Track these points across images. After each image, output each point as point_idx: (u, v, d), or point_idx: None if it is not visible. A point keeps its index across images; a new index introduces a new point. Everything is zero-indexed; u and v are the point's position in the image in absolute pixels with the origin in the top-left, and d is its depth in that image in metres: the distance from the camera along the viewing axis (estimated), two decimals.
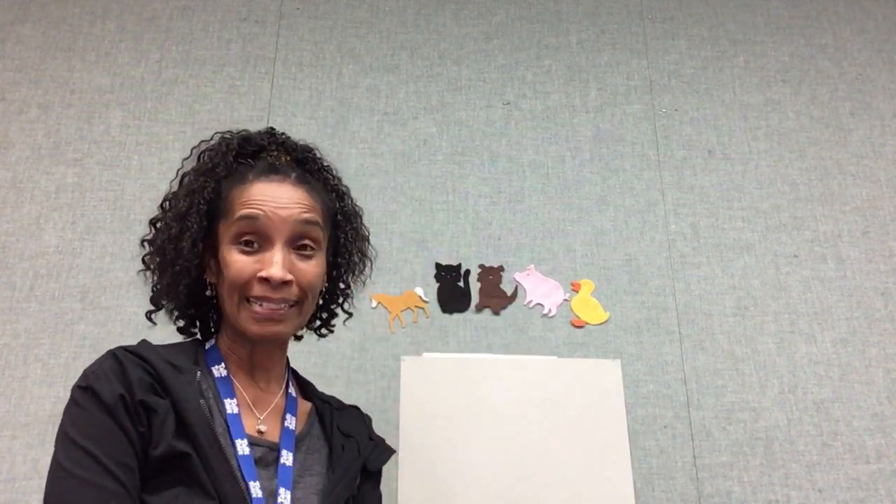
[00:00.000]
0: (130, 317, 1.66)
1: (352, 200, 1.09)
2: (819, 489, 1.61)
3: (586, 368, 1.67)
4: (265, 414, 0.95)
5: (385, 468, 1.55)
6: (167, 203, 1.01)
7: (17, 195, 1.77)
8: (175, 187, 1.02)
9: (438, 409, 1.60)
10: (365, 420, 1.13)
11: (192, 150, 1.03)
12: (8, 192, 1.77)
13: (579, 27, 2.06)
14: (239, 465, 0.85)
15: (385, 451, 1.10)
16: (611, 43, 2.05)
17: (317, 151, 1.06)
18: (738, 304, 1.77)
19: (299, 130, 1.88)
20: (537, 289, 1.76)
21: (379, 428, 1.59)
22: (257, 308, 0.91)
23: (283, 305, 0.93)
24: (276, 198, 0.94)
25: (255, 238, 0.93)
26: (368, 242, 1.12)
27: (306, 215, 0.95)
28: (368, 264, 1.12)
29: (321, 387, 1.62)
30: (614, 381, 1.66)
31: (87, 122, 1.85)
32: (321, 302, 1.10)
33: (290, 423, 0.96)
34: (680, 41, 2.06)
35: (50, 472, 0.80)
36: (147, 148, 1.83)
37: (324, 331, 1.15)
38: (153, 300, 1.01)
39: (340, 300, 1.12)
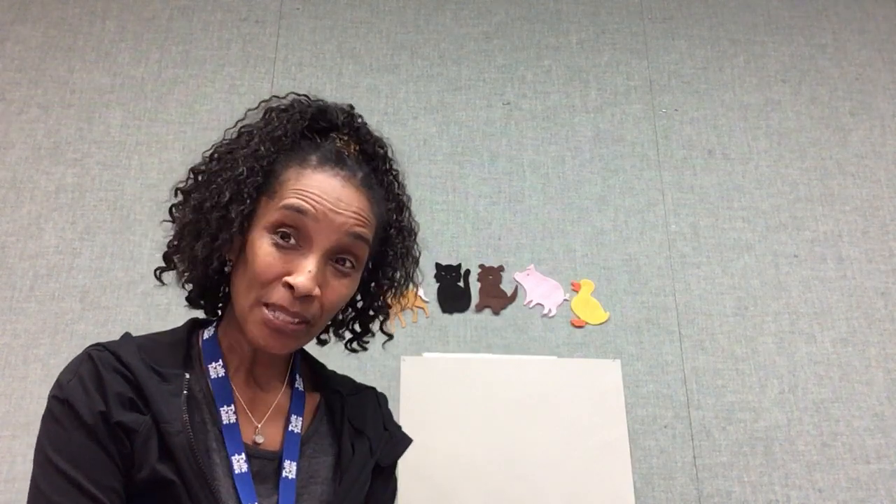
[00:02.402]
0: (130, 317, 1.66)
1: (410, 214, 0.96)
2: (819, 489, 1.61)
3: (586, 368, 1.67)
4: (264, 419, 0.86)
5: None
6: (217, 155, 0.86)
7: (17, 195, 1.77)
8: (230, 136, 0.89)
9: (438, 409, 1.60)
10: (381, 404, 1.01)
11: (260, 102, 0.90)
12: (8, 192, 1.77)
13: (579, 27, 2.06)
14: (234, 486, 0.78)
15: (400, 443, 0.98)
16: (611, 43, 2.05)
17: (389, 150, 0.93)
18: (738, 304, 1.77)
19: None
20: (537, 289, 1.76)
21: None
22: (270, 316, 0.79)
23: (296, 320, 0.80)
24: (334, 198, 0.80)
25: (295, 234, 0.79)
26: (417, 264, 0.99)
27: (359, 229, 0.82)
28: (410, 285, 0.98)
29: None
30: (614, 381, 1.66)
31: (87, 122, 1.85)
32: (353, 314, 0.99)
33: (296, 425, 0.86)
34: (680, 41, 2.06)
35: (30, 495, 0.74)
36: (147, 148, 1.83)
37: (355, 345, 1.02)
38: (167, 257, 0.88)
39: (379, 318, 1.00)
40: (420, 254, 0.99)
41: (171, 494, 0.74)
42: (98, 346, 0.79)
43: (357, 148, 0.89)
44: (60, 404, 0.75)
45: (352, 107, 0.91)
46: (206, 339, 0.87)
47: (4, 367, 1.61)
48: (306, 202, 0.79)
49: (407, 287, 0.97)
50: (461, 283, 1.75)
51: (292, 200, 0.79)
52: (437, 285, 1.74)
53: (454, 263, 1.77)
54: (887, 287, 1.81)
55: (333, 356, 1.69)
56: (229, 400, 0.82)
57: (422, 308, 1.72)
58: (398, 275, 0.95)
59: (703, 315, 1.76)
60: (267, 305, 0.79)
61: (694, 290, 1.78)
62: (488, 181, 1.87)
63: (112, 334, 1.67)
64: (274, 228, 0.80)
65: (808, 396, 1.69)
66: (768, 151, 1.94)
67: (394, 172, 0.93)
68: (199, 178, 0.86)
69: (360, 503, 0.86)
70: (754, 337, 1.74)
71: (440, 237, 1.80)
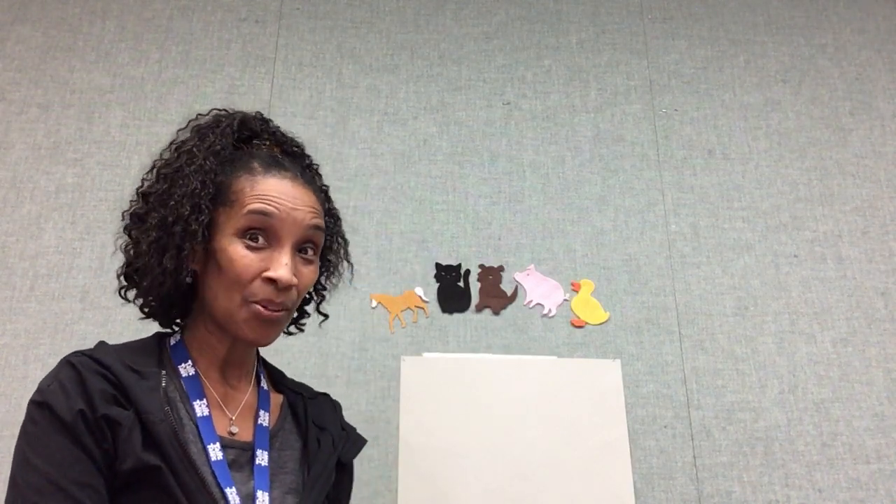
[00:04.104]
0: (131, 317, 1.66)
1: (332, 201, 1.07)
2: (819, 489, 1.61)
3: (586, 368, 1.67)
4: (237, 413, 0.92)
5: (385, 468, 1.55)
6: (164, 175, 0.92)
7: (17, 195, 1.77)
8: (164, 157, 0.95)
9: (438, 409, 1.60)
10: (336, 408, 1.09)
11: (188, 121, 0.97)
12: (8, 192, 1.77)
13: (579, 27, 2.06)
14: (213, 473, 0.82)
15: (357, 442, 1.06)
16: (611, 43, 2.05)
17: (304, 146, 1.04)
18: (738, 304, 1.77)
19: (299, 130, 1.87)
20: (537, 289, 1.76)
21: (379, 428, 1.60)
22: (261, 309, 0.87)
23: (280, 309, 0.89)
24: (291, 198, 0.90)
25: (263, 234, 0.88)
26: (347, 245, 1.09)
27: (316, 220, 0.93)
28: (347, 267, 1.08)
29: (322, 388, 1.62)
30: (614, 381, 1.66)
31: (87, 122, 1.85)
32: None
33: (264, 419, 0.93)
34: (680, 41, 2.06)
35: (7, 496, 0.76)
36: (147, 148, 1.83)
37: (293, 328, 1.08)
38: (131, 276, 0.94)
39: (316, 301, 1.09)
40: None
41: (157, 480, 0.78)
42: (76, 353, 0.83)
43: (278, 150, 0.99)
44: (39, 407, 0.78)
45: (260, 113, 1.01)
46: (174, 345, 0.93)
47: (4, 367, 1.61)
48: (270, 205, 0.89)
49: (341, 268, 1.07)
50: (461, 283, 1.75)
51: (257, 205, 0.88)
52: (437, 285, 1.74)
53: (454, 263, 1.77)
54: (887, 287, 1.81)
55: (333, 356, 1.70)
56: (202, 395, 0.88)
57: (422, 308, 1.72)
58: (333, 258, 1.05)
59: (703, 315, 1.76)
60: (252, 302, 0.87)
61: (694, 290, 1.78)
62: (488, 181, 1.87)
63: (112, 334, 1.67)
64: (243, 233, 0.88)
65: (808, 396, 1.69)
66: (768, 151, 1.94)
67: (315, 165, 1.04)
68: (152, 199, 0.92)
69: (326, 492, 0.94)
70: (754, 337, 1.74)
71: (440, 237, 1.80)
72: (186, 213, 0.87)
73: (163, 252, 0.88)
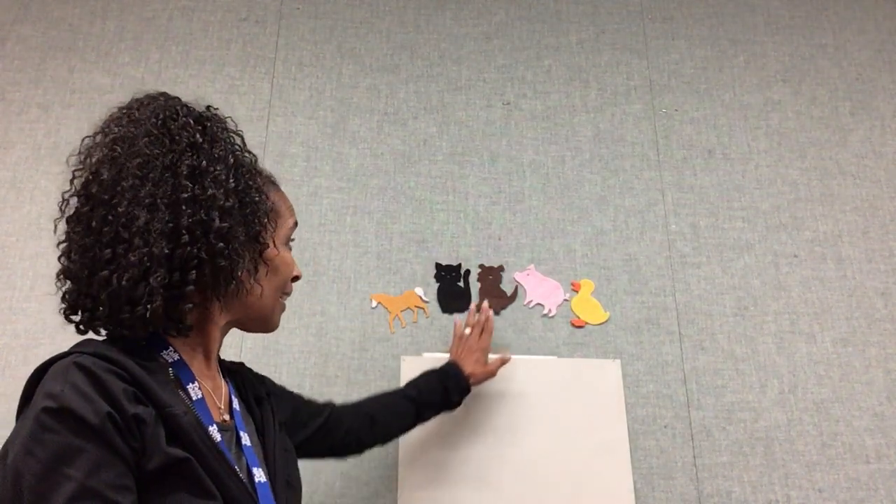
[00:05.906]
0: None
1: None
2: (819, 489, 1.61)
3: (586, 368, 1.67)
4: (223, 400, 0.94)
5: (385, 468, 1.55)
6: (235, 192, 0.87)
7: (17, 195, 1.77)
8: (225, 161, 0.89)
9: None
10: (253, 372, 1.12)
11: (227, 117, 0.94)
12: (8, 192, 1.77)
13: (579, 27, 2.06)
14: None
15: (288, 396, 1.18)
16: (611, 43, 2.05)
17: None
18: (738, 304, 1.77)
19: (299, 130, 1.88)
20: (537, 289, 1.76)
21: None
22: (285, 302, 1.02)
23: None
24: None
25: None
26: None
27: None
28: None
29: (322, 388, 1.62)
30: (614, 381, 1.66)
31: (87, 122, 1.84)
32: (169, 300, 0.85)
33: (235, 403, 0.96)
34: (680, 41, 2.06)
35: None
36: None
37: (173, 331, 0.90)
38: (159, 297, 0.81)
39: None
40: None
41: (186, 472, 0.77)
42: (77, 353, 0.80)
43: None
44: (57, 414, 0.73)
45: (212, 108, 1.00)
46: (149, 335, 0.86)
47: (4, 367, 1.61)
48: (295, 215, 1.05)
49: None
50: (461, 283, 1.75)
51: (295, 218, 1.04)
52: (437, 285, 1.74)
53: (454, 263, 1.77)
54: (887, 287, 1.81)
55: (334, 356, 1.70)
56: (193, 378, 0.87)
57: (422, 308, 1.72)
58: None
59: (703, 315, 1.76)
60: (282, 296, 1.01)
61: (694, 290, 1.78)
62: (488, 181, 1.87)
63: None
64: (286, 240, 1.02)
65: (808, 396, 1.69)
66: (768, 151, 1.94)
67: None
68: (222, 196, 0.86)
69: (287, 451, 1.02)
70: (754, 337, 1.74)
71: (440, 237, 1.80)
72: (260, 228, 0.92)
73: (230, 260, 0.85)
